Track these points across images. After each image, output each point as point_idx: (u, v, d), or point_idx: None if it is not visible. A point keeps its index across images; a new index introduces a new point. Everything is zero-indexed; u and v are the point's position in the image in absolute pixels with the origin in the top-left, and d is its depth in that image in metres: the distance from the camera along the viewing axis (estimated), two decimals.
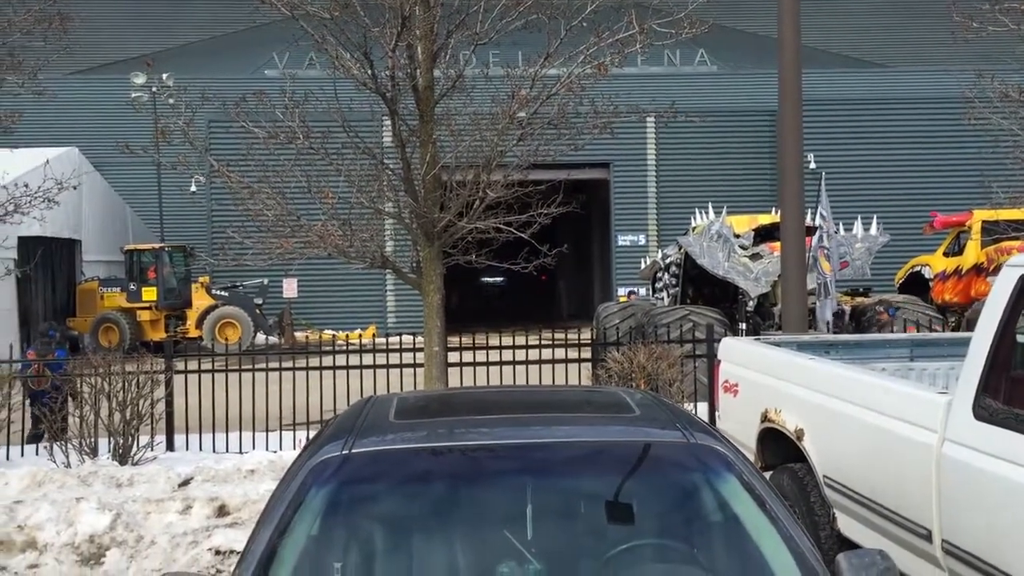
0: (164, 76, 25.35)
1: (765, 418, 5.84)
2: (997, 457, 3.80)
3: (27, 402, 10.04)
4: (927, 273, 19.55)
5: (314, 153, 8.62)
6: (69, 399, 9.40)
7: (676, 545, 3.07)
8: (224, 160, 9.24)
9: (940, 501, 4.14)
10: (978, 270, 17.11)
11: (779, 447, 5.80)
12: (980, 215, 17.73)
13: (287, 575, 2.84)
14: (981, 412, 3.95)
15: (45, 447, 9.37)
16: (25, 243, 20.18)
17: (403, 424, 3.55)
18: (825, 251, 12.70)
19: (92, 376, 9.22)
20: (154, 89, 24.66)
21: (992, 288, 4.16)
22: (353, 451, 3.18)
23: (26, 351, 10.06)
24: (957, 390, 4.18)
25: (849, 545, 4.94)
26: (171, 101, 19.00)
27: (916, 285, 19.69)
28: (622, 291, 27.01)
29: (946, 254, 19.16)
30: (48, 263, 23.92)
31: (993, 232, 16.40)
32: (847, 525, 5.12)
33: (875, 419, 4.70)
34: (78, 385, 9.36)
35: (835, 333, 11.80)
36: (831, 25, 35.32)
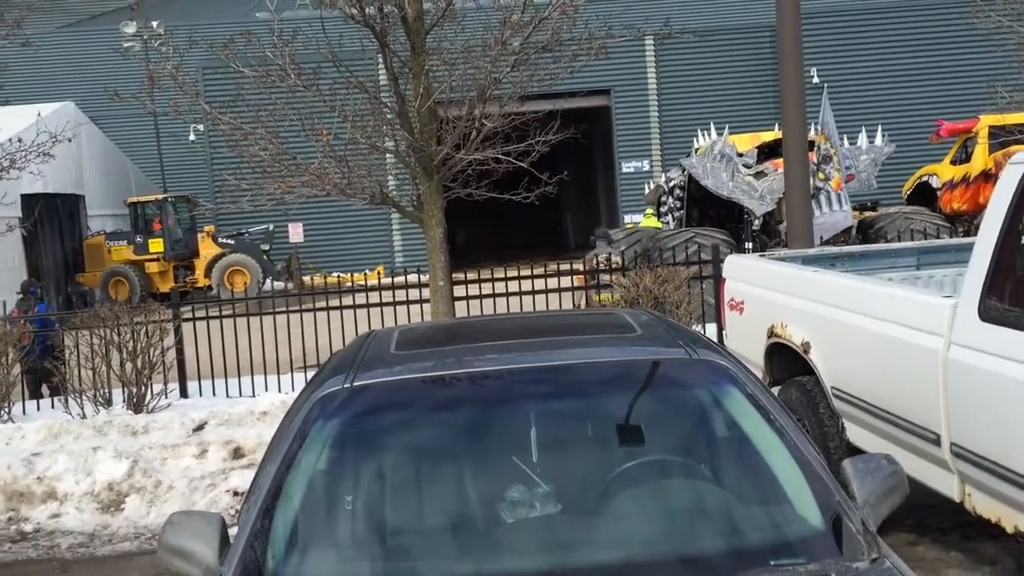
0: (155, 24, 24.99)
1: (772, 333, 5.82)
2: (1004, 357, 3.78)
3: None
4: (935, 182, 19.33)
5: (306, 91, 8.51)
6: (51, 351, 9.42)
7: (682, 460, 3.06)
8: (218, 104, 9.13)
9: (948, 405, 4.13)
10: (986, 176, 16.89)
11: (787, 361, 5.80)
12: (987, 120, 17.46)
13: (294, 508, 2.85)
14: (987, 313, 3.91)
15: (60, 400, 9.46)
16: (28, 200, 20.15)
17: (404, 355, 3.54)
18: (825, 167, 12.56)
19: (102, 328, 9.26)
20: (145, 37, 24.33)
21: (996, 187, 4.09)
22: (355, 384, 3.17)
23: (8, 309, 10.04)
24: (962, 292, 4.14)
25: (859, 454, 4.96)
26: (163, 49, 18.78)
27: (924, 195, 19.50)
28: (628, 218, 26.87)
29: (953, 162, 18.92)
30: (54, 219, 23.93)
31: (1000, 137, 16.16)
32: (856, 434, 5.13)
33: (881, 327, 4.68)
34: (73, 337, 9.38)
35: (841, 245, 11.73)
36: None
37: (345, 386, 3.15)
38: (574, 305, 10.56)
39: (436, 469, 3.03)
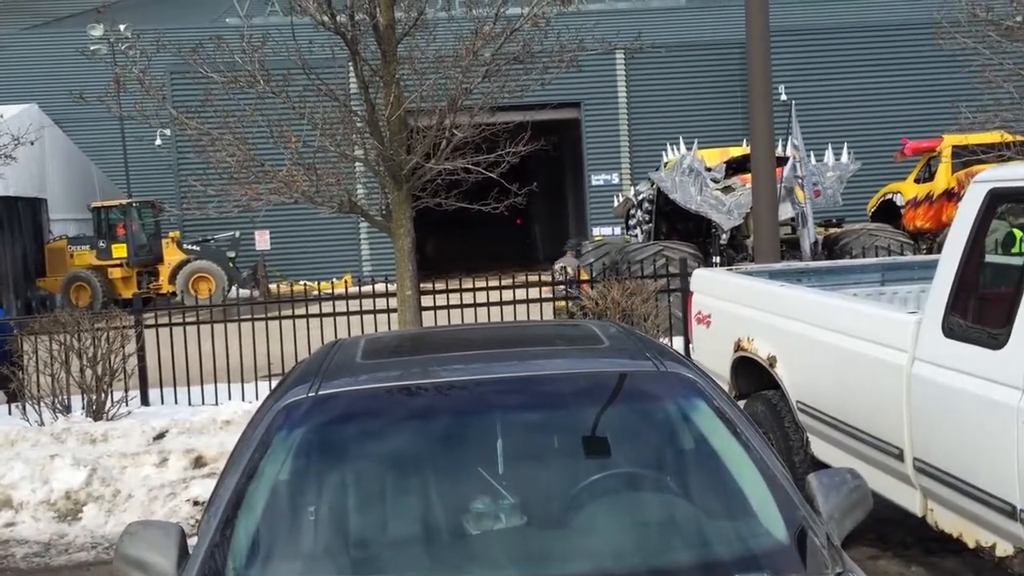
0: (122, 27, 24.76)
1: (738, 347, 5.84)
2: (967, 373, 3.81)
3: None
4: (899, 200, 19.59)
5: (275, 97, 8.45)
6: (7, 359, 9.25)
7: (648, 473, 3.05)
8: (186, 109, 9.04)
9: (911, 420, 4.16)
10: (949, 195, 17.14)
11: (753, 375, 5.82)
12: (950, 140, 17.72)
13: (256, 519, 2.80)
14: (951, 330, 3.95)
15: (17, 407, 9.27)
16: None
17: (370, 364, 3.50)
18: (799, 181, 12.69)
19: (61, 333, 9.10)
20: (111, 40, 24.10)
21: (960, 205, 4.14)
22: (320, 392, 3.13)
23: None
24: (926, 308, 4.18)
25: (823, 468, 4.98)
26: (130, 52, 18.58)
27: (888, 213, 19.74)
28: (597, 231, 26.96)
29: (917, 180, 19.19)
30: (14, 223, 23.56)
31: (963, 157, 16.41)
32: (821, 449, 5.16)
33: (846, 342, 4.71)
34: (31, 342, 9.21)
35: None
36: None
37: (310, 395, 3.11)
38: (541, 316, 10.56)
39: (400, 480, 2.99)
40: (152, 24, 23.24)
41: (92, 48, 23.33)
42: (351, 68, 8.69)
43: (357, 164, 9.55)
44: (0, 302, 10.63)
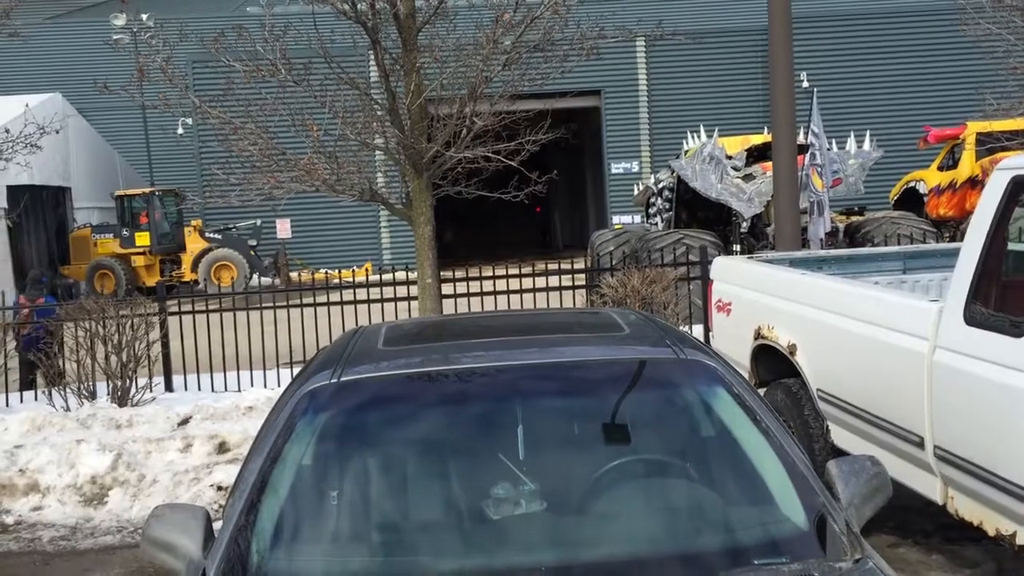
0: (144, 17, 24.89)
1: (758, 335, 5.84)
2: (988, 361, 3.80)
3: (19, 351, 10.05)
4: (922, 188, 19.42)
5: (296, 86, 8.48)
6: (61, 344, 9.40)
7: (668, 459, 3.06)
8: (208, 98, 9.09)
9: (932, 408, 4.16)
10: (973, 183, 16.97)
11: (773, 363, 5.82)
12: (974, 127, 17.54)
13: (279, 503, 2.84)
14: (972, 317, 3.94)
15: (44, 392, 9.40)
16: (14, 192, 20.03)
17: (392, 351, 3.53)
18: (818, 169, 12.62)
19: (87, 320, 9.21)
20: (134, 30, 24.23)
21: (983, 192, 4.12)
22: (342, 379, 3.16)
23: (16, 298, 10.00)
24: (948, 296, 4.16)
25: (843, 456, 4.98)
26: (152, 41, 18.68)
27: (911, 201, 19.58)
28: (617, 219, 26.92)
29: (940, 168, 19.01)
30: (39, 212, 23.79)
31: (987, 144, 16.25)
32: (841, 436, 5.16)
33: (867, 330, 4.70)
34: (71, 329, 9.34)
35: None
36: None
37: (332, 381, 3.15)
38: (561, 304, 10.57)
39: (422, 465, 3.03)
40: (174, 13, 23.35)
41: (115, 38, 23.47)
42: (372, 57, 8.71)
43: (377, 152, 9.57)
44: (54, 289, 10.74)
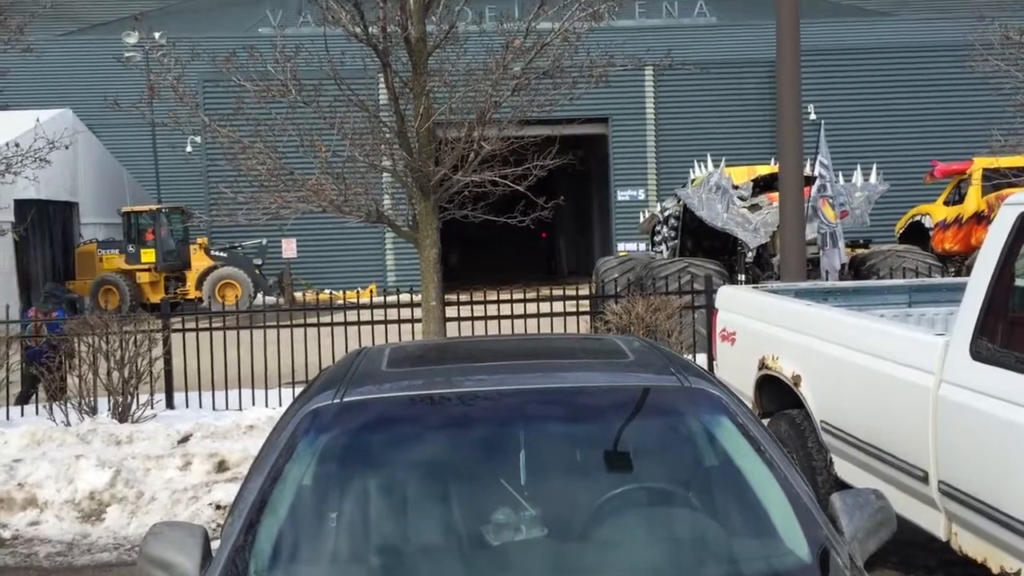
0: (157, 35, 25.08)
1: (763, 365, 5.82)
2: (994, 397, 3.78)
3: (23, 363, 10.03)
4: (927, 222, 19.45)
5: (306, 107, 8.53)
6: (66, 359, 9.39)
7: (671, 489, 3.04)
8: (218, 117, 9.14)
9: (937, 442, 4.13)
10: (979, 218, 17.00)
11: (777, 394, 5.79)
12: (981, 163, 17.59)
13: (279, 523, 2.82)
14: (978, 352, 3.92)
15: (44, 406, 9.38)
16: (21, 205, 20.10)
17: (395, 372, 3.52)
18: (829, 200, 12.62)
19: (90, 335, 9.20)
20: (147, 48, 24.42)
21: (990, 228, 4.11)
22: (345, 399, 3.15)
23: (27, 311, 10.01)
24: (954, 331, 4.15)
25: (847, 489, 4.94)
26: (164, 60, 18.82)
27: (916, 234, 19.60)
28: (622, 246, 26.96)
29: (947, 203, 19.04)
30: (46, 226, 23.87)
31: (994, 180, 16.27)
32: (845, 469, 5.12)
33: (872, 363, 4.68)
34: (75, 345, 9.34)
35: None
36: None
37: (335, 401, 3.14)
38: (565, 330, 10.55)
39: (423, 488, 3.01)
40: (186, 32, 23.55)
41: (127, 55, 23.67)
42: (381, 79, 8.76)
43: (384, 174, 9.61)
44: (60, 304, 10.72)
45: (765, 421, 5.71)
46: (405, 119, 8.50)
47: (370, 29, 8.27)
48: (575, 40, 8.91)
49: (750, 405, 5.92)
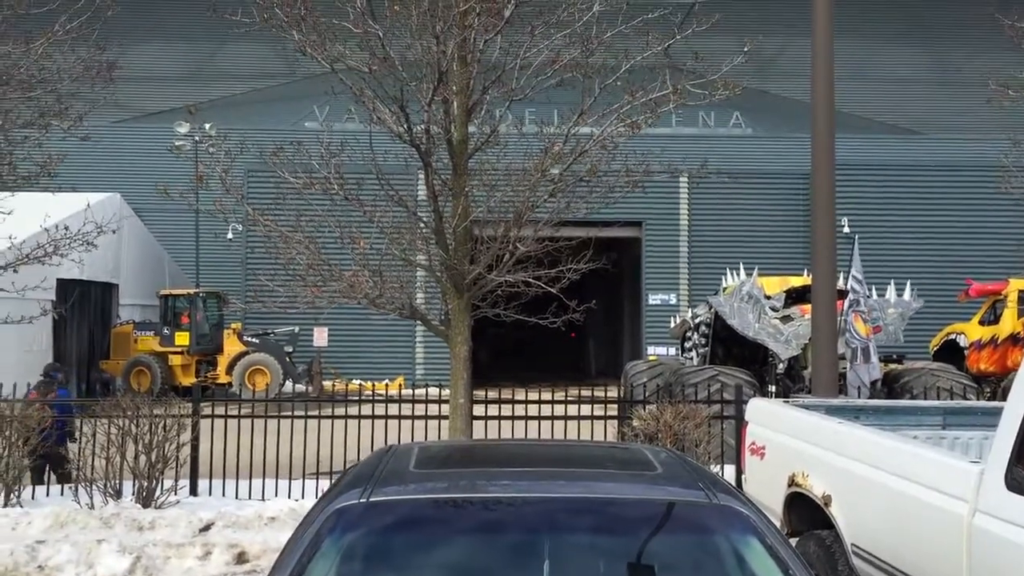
0: (207, 126, 25.90)
1: (792, 482, 5.73)
2: None
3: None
4: (962, 341, 19.25)
5: (348, 203, 8.73)
6: (68, 439, 9.40)
7: None
8: (260, 208, 9.37)
9: (971, 573, 4.02)
10: (1014, 340, 16.83)
11: (806, 512, 5.68)
12: (1016, 284, 17.51)
13: None
14: (1015, 482, 3.85)
15: (71, 488, 9.38)
16: (63, 285, 20.47)
17: (423, 474, 3.53)
18: (861, 314, 12.58)
19: (120, 418, 9.27)
20: (196, 138, 25.19)
21: None
22: (372, 499, 3.16)
23: (28, 392, 10.03)
24: (990, 459, 4.08)
25: None
26: (212, 150, 19.38)
27: (951, 353, 19.40)
28: (651, 350, 26.87)
29: (982, 322, 18.88)
30: (85, 306, 24.25)
31: None
32: None
33: (905, 487, 4.60)
34: (92, 425, 9.36)
35: (867, 399, 11.63)
36: (865, 90, 35.35)
37: (362, 500, 3.14)
38: (592, 435, 10.47)
39: None
40: (235, 125, 24.29)
41: (177, 144, 24.41)
42: (420, 176, 8.97)
43: (419, 270, 9.74)
44: (63, 382, 10.77)
45: (793, 540, 5.60)
46: (443, 217, 8.66)
47: (414, 129, 8.51)
48: (612, 148, 9.10)
49: (778, 523, 5.81)
